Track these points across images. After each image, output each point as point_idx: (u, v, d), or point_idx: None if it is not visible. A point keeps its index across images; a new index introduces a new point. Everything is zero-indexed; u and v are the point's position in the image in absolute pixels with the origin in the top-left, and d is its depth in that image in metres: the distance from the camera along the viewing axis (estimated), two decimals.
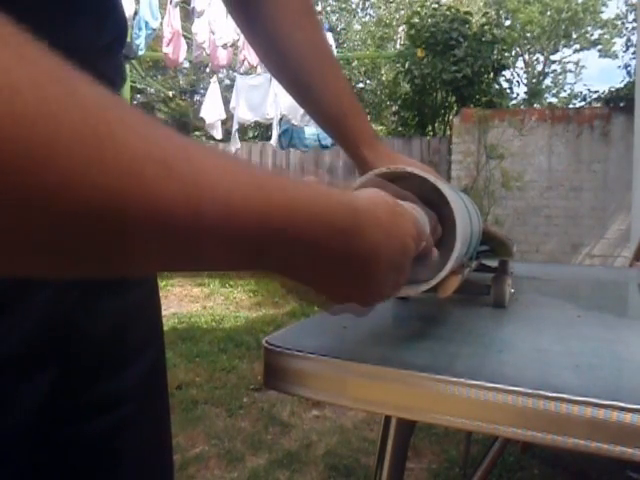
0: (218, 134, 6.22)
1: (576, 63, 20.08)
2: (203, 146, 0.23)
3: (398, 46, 11.33)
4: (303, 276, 0.32)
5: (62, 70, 0.18)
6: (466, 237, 0.50)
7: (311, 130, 5.95)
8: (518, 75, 17.81)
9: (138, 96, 11.39)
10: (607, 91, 6.11)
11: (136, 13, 5.29)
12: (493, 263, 0.88)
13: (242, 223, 0.24)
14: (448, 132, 6.40)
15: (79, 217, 0.18)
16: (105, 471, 0.47)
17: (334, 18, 16.86)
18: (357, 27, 16.55)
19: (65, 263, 0.20)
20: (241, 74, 6.19)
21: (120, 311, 0.47)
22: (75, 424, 0.44)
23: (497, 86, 6.82)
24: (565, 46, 19.29)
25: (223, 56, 5.72)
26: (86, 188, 0.17)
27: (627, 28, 16.35)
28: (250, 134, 10.13)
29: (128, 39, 0.52)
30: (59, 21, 0.19)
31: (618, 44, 18.49)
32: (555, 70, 19.71)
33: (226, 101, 6.27)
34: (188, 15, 5.85)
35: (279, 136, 6.00)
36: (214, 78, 6.39)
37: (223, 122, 6.32)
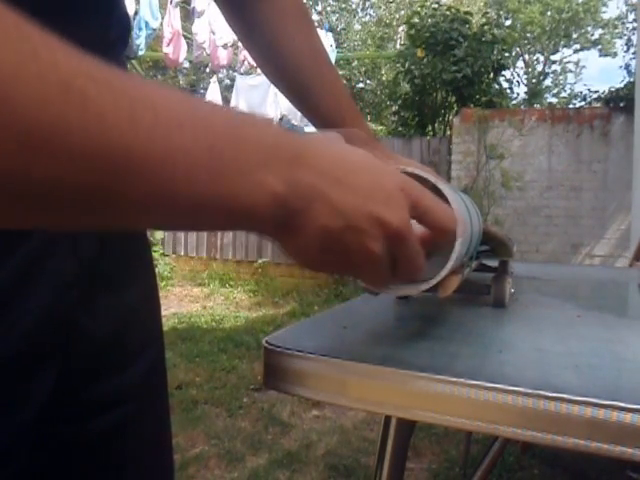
0: None
1: (576, 63, 20.09)
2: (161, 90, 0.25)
3: (398, 46, 11.33)
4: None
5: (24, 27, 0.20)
6: (466, 237, 0.50)
7: (311, 130, 5.94)
8: (518, 75, 17.81)
9: None
10: (607, 91, 6.10)
11: (136, 13, 5.29)
12: (493, 263, 0.88)
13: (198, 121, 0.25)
14: (448, 132, 6.40)
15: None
16: (105, 470, 0.47)
17: (334, 18, 16.85)
18: (357, 27, 16.54)
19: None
20: (241, 74, 6.19)
21: (120, 310, 0.47)
22: (76, 423, 0.44)
23: (497, 86, 6.82)
24: (565, 46, 19.29)
25: (223, 56, 5.72)
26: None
27: (627, 28, 16.35)
28: None
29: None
30: (63, 20, 0.19)
31: (618, 44, 18.49)
32: (555, 70, 19.71)
33: (226, 101, 6.27)
34: (188, 15, 5.85)
35: None
36: (214, 78, 6.39)
37: None
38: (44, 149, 0.20)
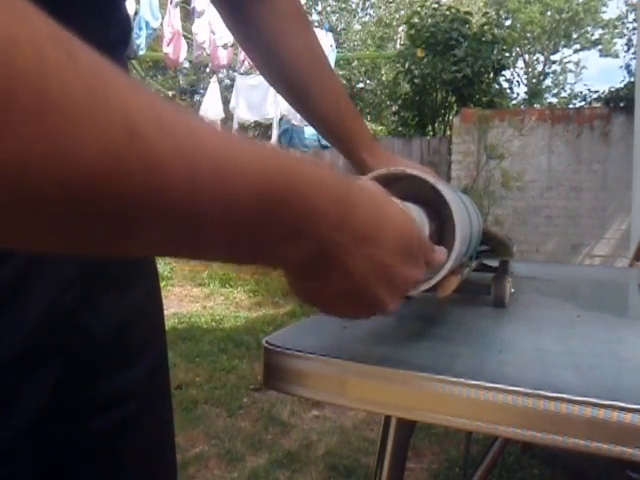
0: None
1: (576, 63, 20.09)
2: (198, 115, 0.24)
3: (398, 46, 11.33)
4: (305, 267, 0.32)
5: (62, 34, 0.18)
6: (465, 237, 0.50)
7: (311, 130, 5.95)
8: (518, 75, 17.82)
9: None
10: (607, 91, 6.11)
11: (136, 13, 5.29)
12: (494, 263, 0.88)
13: (239, 186, 0.23)
14: (448, 132, 6.40)
15: (67, 173, 0.18)
16: (107, 470, 0.47)
17: (334, 18, 16.85)
18: (357, 27, 16.54)
19: (58, 231, 0.20)
20: (241, 74, 6.19)
21: (122, 309, 0.47)
22: (77, 422, 0.44)
23: (497, 86, 6.82)
24: (565, 46, 19.29)
25: (223, 56, 5.72)
26: (76, 143, 0.17)
27: (627, 28, 16.36)
28: (250, 134, 10.13)
29: None
30: (64, 21, 0.19)
31: (619, 44, 18.49)
32: (555, 70, 19.72)
33: (226, 101, 6.27)
34: (188, 15, 5.85)
35: (279, 136, 6.00)
36: (214, 78, 6.39)
37: (223, 122, 6.32)
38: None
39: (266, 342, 0.51)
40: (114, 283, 0.47)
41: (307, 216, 0.28)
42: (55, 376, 0.41)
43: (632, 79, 5.93)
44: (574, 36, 18.85)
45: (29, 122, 0.16)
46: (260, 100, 5.85)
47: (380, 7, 15.69)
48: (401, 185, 0.50)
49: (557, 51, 19.23)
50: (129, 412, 0.47)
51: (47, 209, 0.18)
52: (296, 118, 5.63)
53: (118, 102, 0.19)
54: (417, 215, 0.46)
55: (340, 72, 10.03)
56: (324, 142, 6.06)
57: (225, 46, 5.64)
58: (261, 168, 0.25)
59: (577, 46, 19.43)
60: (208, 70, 6.15)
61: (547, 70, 19.36)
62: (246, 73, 6.16)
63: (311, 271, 0.32)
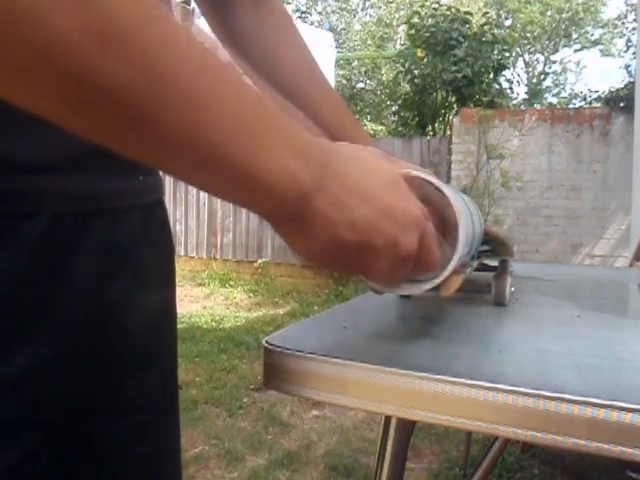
0: None
1: (577, 63, 20.09)
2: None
3: (398, 46, 11.33)
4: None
5: None
6: (468, 238, 0.51)
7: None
8: (518, 75, 17.82)
9: None
10: (607, 91, 6.10)
11: None
12: (494, 262, 0.88)
13: (243, 92, 0.28)
14: (448, 132, 6.40)
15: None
16: (114, 477, 0.46)
17: (334, 18, 16.86)
18: (357, 27, 16.55)
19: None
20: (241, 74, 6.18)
21: (152, 309, 0.47)
22: (89, 424, 0.43)
23: (497, 86, 6.82)
24: (565, 46, 19.29)
25: (224, 55, 5.71)
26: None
27: (627, 28, 16.36)
28: None
29: None
30: None
31: (619, 44, 18.50)
32: (555, 70, 19.72)
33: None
34: (188, 15, 5.85)
35: None
36: None
37: None
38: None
39: (266, 342, 0.51)
40: (152, 278, 0.47)
41: (299, 144, 0.30)
42: (79, 378, 0.41)
43: (632, 79, 5.93)
44: (574, 36, 18.85)
45: None
46: None
47: (380, 7, 15.69)
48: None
49: (557, 51, 19.24)
50: (142, 419, 0.46)
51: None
52: None
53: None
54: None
55: (340, 72, 10.03)
56: None
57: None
58: (257, 95, 0.29)
59: (577, 46, 19.44)
60: None
61: (547, 70, 19.37)
62: (246, 75, 6.15)
63: (310, 219, 0.32)
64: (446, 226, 0.51)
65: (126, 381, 0.45)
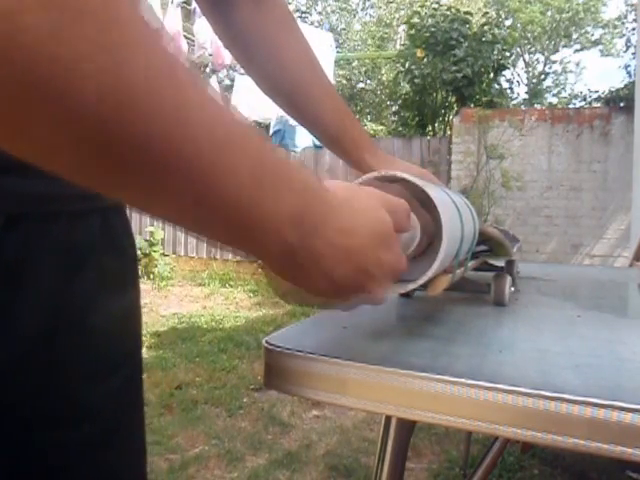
0: None
1: (577, 63, 20.09)
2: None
3: (398, 46, 11.32)
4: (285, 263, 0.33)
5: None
6: (454, 239, 0.51)
7: (303, 131, 5.92)
8: (518, 75, 17.82)
9: None
10: (607, 91, 6.10)
11: None
12: (497, 262, 0.89)
13: (239, 157, 0.26)
14: (448, 132, 6.40)
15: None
16: None
17: (334, 18, 16.86)
18: (357, 27, 16.55)
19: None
20: (241, 74, 6.18)
21: (118, 309, 0.46)
22: (47, 432, 0.42)
23: (497, 86, 6.82)
24: (565, 46, 19.29)
25: (225, 56, 5.72)
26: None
27: (627, 28, 16.35)
28: None
29: None
30: None
31: (619, 44, 18.50)
32: (556, 70, 19.71)
33: (226, 101, 6.27)
34: (189, 15, 5.85)
35: (271, 136, 6.00)
36: (214, 78, 6.39)
37: None
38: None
39: (266, 342, 0.51)
40: (113, 283, 0.46)
41: (301, 208, 0.30)
42: (36, 383, 0.40)
43: (632, 79, 5.93)
44: (574, 36, 18.85)
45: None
46: (260, 100, 5.85)
47: (380, 7, 15.69)
48: (397, 187, 0.50)
49: (557, 51, 19.23)
50: (100, 428, 0.45)
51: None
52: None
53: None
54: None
55: (340, 72, 10.03)
56: (318, 143, 6.05)
57: None
58: (259, 153, 0.28)
59: (577, 46, 19.44)
60: (208, 70, 6.14)
61: (547, 70, 19.37)
62: (246, 73, 6.15)
63: (292, 265, 0.33)
64: (435, 227, 0.51)
65: (83, 388, 0.43)
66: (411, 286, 0.49)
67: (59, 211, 0.41)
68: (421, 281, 0.49)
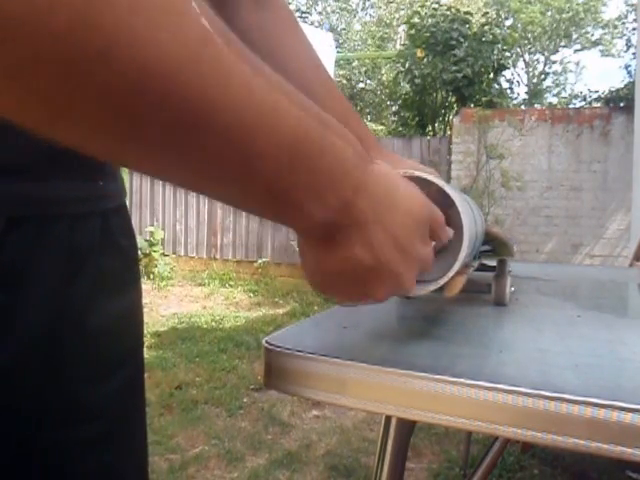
0: None
1: (577, 63, 20.09)
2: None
3: (398, 46, 11.32)
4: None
5: None
6: (472, 238, 0.51)
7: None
8: (518, 75, 17.82)
9: None
10: (607, 91, 6.10)
11: None
12: (492, 262, 0.88)
13: (280, 126, 0.26)
14: (448, 132, 6.40)
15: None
16: None
17: (334, 18, 16.86)
18: (357, 27, 16.55)
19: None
20: None
21: (116, 311, 0.46)
22: (48, 433, 0.42)
23: (497, 86, 6.82)
24: (565, 46, 19.29)
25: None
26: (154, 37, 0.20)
27: (627, 28, 16.35)
28: None
29: None
30: None
31: (619, 44, 18.50)
32: (556, 70, 19.72)
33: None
34: None
35: None
36: None
37: None
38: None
39: (266, 342, 0.51)
40: (114, 283, 0.46)
41: (333, 173, 0.30)
42: (37, 383, 0.40)
43: (632, 79, 5.93)
44: (574, 36, 18.84)
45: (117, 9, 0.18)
46: None
47: (380, 7, 15.69)
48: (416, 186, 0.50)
49: (557, 51, 19.24)
50: (102, 428, 0.45)
51: (111, 95, 0.20)
52: None
53: (196, 15, 0.22)
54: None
55: (340, 72, 10.03)
56: None
57: None
58: (301, 118, 0.28)
59: (577, 46, 19.44)
60: None
61: (547, 70, 19.38)
62: None
63: (332, 235, 0.33)
64: (450, 226, 0.51)
65: (84, 389, 0.44)
66: (432, 287, 0.49)
67: (60, 214, 0.41)
68: (442, 282, 0.49)
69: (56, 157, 0.40)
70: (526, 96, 17.16)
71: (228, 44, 0.24)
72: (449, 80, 6.20)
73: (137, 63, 0.19)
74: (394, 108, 8.45)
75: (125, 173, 6.29)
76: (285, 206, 0.30)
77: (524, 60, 18.79)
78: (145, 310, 0.54)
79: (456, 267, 0.48)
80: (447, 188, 0.48)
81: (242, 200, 0.29)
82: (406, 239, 0.36)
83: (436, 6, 6.85)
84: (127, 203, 0.51)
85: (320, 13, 17.01)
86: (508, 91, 7.56)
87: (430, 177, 0.48)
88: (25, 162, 0.39)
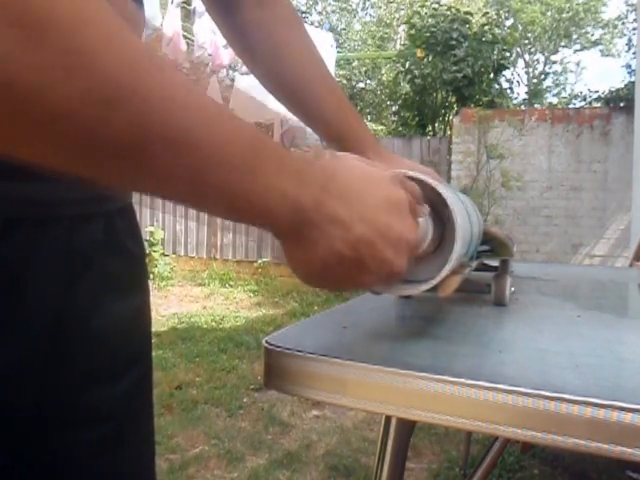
0: None
1: (577, 63, 20.09)
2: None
3: (398, 46, 11.32)
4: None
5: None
6: (465, 239, 0.51)
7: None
8: (519, 75, 17.82)
9: None
10: (607, 91, 6.10)
11: None
12: (495, 262, 0.88)
13: (236, 132, 0.29)
14: (448, 132, 6.40)
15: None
16: None
17: (334, 18, 16.86)
18: (357, 27, 16.55)
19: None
20: (241, 74, 6.18)
21: (123, 315, 0.46)
22: (56, 434, 0.42)
23: (497, 86, 6.82)
24: (566, 46, 19.29)
25: (225, 56, 5.71)
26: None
27: (628, 28, 16.36)
28: None
29: None
30: None
31: (619, 44, 18.50)
32: (556, 70, 19.71)
33: (226, 101, 6.27)
34: (189, 15, 5.85)
35: (281, 135, 6.00)
36: (214, 78, 6.39)
37: None
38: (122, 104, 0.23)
39: (266, 342, 0.51)
40: (119, 285, 0.46)
41: (292, 174, 0.32)
42: (44, 382, 0.40)
43: (632, 79, 5.93)
44: (574, 36, 18.84)
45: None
46: (260, 100, 5.85)
47: (380, 7, 15.69)
48: None
49: (557, 51, 19.23)
50: (111, 429, 0.45)
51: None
52: (294, 119, 5.61)
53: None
54: (423, 217, 0.46)
55: (340, 72, 10.03)
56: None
57: (226, 46, 5.63)
58: (252, 128, 0.30)
59: (577, 46, 19.43)
60: (208, 70, 6.14)
61: (547, 70, 19.37)
62: (246, 73, 6.15)
63: (309, 234, 0.34)
64: (444, 226, 0.51)
65: (91, 389, 0.43)
66: (425, 287, 0.49)
67: (59, 215, 0.41)
68: (435, 281, 0.49)
69: None
70: (526, 96, 17.15)
71: (162, 68, 0.26)
72: (449, 80, 6.20)
73: (76, 95, 0.22)
74: (394, 108, 8.46)
75: None
76: (252, 206, 0.31)
77: (524, 60, 18.79)
78: None
79: (448, 267, 0.48)
80: (440, 188, 0.48)
81: (207, 207, 0.31)
82: (382, 223, 0.37)
83: (436, 6, 6.85)
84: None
85: (320, 13, 17.01)
86: (508, 91, 7.56)
87: (423, 177, 0.48)
88: (23, 164, 0.39)
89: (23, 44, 0.20)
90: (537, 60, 19.27)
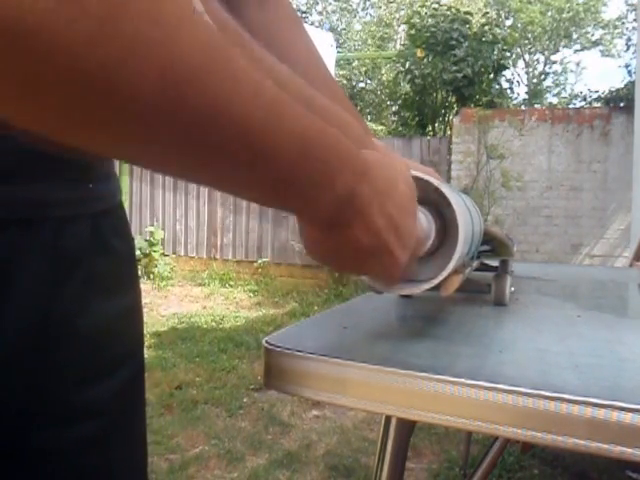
0: None
1: (577, 63, 20.10)
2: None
3: (398, 46, 11.33)
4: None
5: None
6: (467, 239, 0.51)
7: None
8: (519, 75, 17.82)
9: None
10: (607, 91, 6.10)
11: None
12: (495, 262, 0.88)
13: (287, 123, 0.28)
14: (448, 132, 6.40)
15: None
16: None
17: (334, 18, 16.87)
18: (357, 27, 16.55)
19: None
20: None
21: (111, 314, 0.46)
22: (45, 431, 0.42)
23: (497, 86, 6.82)
24: (566, 46, 19.30)
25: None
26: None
27: (627, 28, 16.36)
28: None
29: None
30: None
31: (619, 44, 18.50)
32: (556, 70, 19.72)
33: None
34: None
35: None
36: None
37: None
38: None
39: (266, 342, 0.51)
40: (107, 285, 0.46)
41: (337, 164, 0.32)
42: (31, 379, 0.40)
43: (632, 79, 5.93)
44: (575, 36, 18.85)
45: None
46: None
47: (380, 7, 15.69)
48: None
49: (557, 51, 19.24)
50: (100, 427, 0.45)
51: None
52: None
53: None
54: (424, 216, 0.46)
55: (340, 72, 10.03)
56: None
57: None
58: (306, 116, 0.29)
59: (577, 46, 19.44)
60: None
61: (547, 70, 19.38)
62: None
63: (335, 220, 0.34)
64: (446, 225, 0.51)
65: (79, 388, 0.43)
66: (426, 286, 0.49)
67: (45, 216, 0.41)
68: (437, 281, 0.49)
69: (41, 160, 0.39)
70: (526, 96, 17.17)
71: (242, 47, 0.26)
72: (449, 80, 6.20)
73: (154, 72, 0.20)
74: (394, 108, 8.46)
75: (125, 174, 6.29)
76: (292, 197, 0.32)
77: (524, 60, 18.79)
78: (145, 310, 0.54)
79: (450, 266, 0.48)
80: (443, 188, 0.48)
81: (251, 192, 0.31)
82: (401, 219, 0.38)
83: (436, 6, 6.85)
84: (126, 204, 0.51)
85: (320, 13, 17.02)
86: (508, 91, 7.57)
87: (427, 177, 0.48)
88: (8, 164, 0.39)
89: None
90: (537, 60, 19.28)
